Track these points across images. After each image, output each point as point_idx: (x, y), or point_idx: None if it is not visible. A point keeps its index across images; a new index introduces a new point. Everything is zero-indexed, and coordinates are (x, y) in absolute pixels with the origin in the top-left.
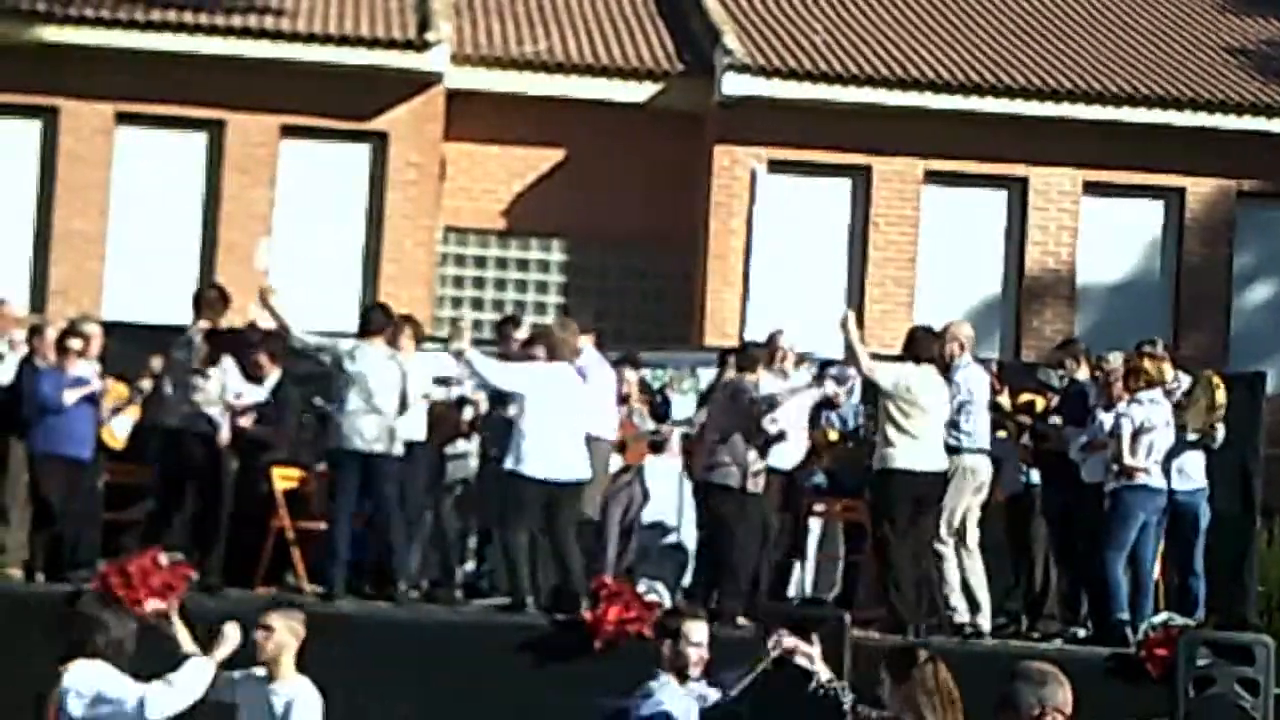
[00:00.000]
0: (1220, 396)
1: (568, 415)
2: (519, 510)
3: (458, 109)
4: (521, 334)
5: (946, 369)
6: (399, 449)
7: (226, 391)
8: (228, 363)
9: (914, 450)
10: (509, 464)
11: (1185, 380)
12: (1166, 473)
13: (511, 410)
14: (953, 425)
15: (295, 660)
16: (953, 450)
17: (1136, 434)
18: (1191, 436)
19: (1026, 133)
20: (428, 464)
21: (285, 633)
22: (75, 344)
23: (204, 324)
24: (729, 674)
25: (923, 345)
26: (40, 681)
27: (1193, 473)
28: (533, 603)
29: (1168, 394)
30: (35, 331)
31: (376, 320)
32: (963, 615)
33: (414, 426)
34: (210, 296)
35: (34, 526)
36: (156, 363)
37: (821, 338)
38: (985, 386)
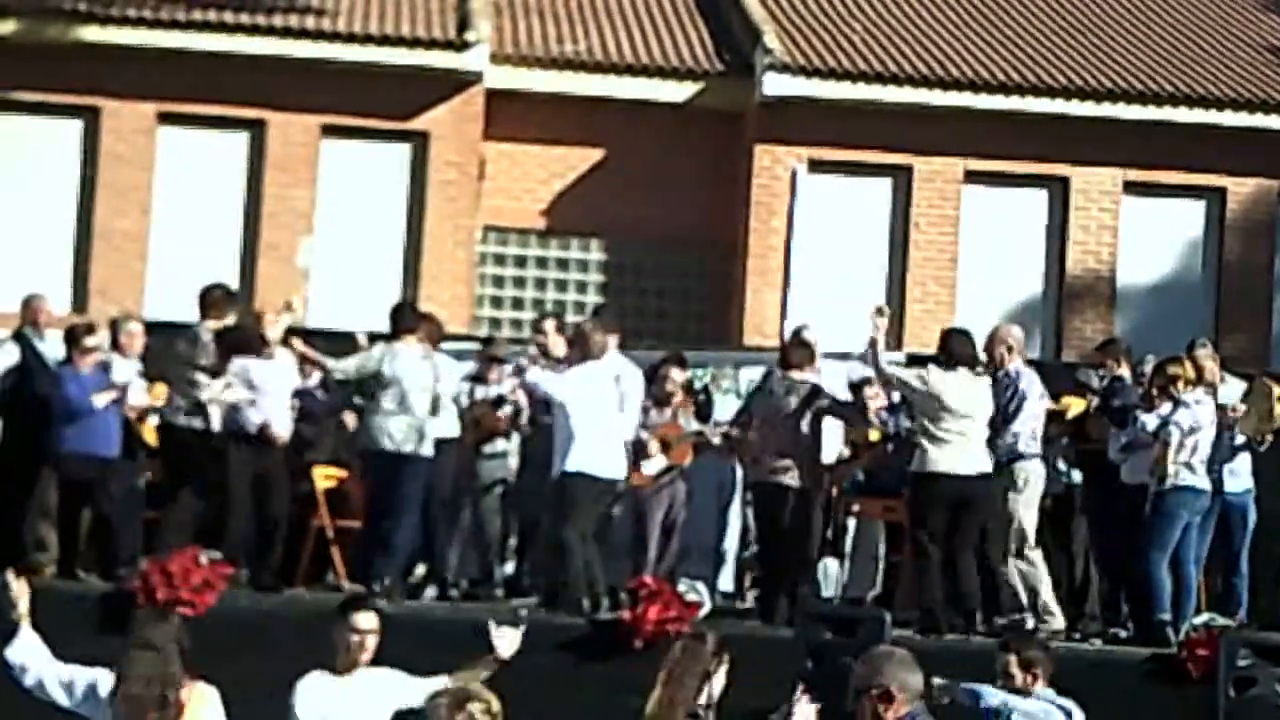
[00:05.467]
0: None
1: (609, 414)
2: (574, 510)
3: (497, 108)
4: (549, 325)
5: (994, 372)
6: (428, 449)
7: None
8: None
9: (951, 454)
10: (566, 465)
11: (1234, 382)
12: (1219, 474)
13: (546, 416)
14: (1014, 433)
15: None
16: (1018, 457)
17: (1184, 437)
18: (1239, 440)
19: (1067, 132)
20: (459, 462)
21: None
22: (92, 341)
23: (212, 324)
24: None
25: (956, 347)
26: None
27: (1242, 473)
28: (587, 604)
29: (1212, 393)
30: (114, 326)
31: (407, 318)
32: (1059, 620)
33: (446, 424)
34: (215, 296)
35: (61, 525)
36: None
37: (862, 338)
38: (1039, 390)
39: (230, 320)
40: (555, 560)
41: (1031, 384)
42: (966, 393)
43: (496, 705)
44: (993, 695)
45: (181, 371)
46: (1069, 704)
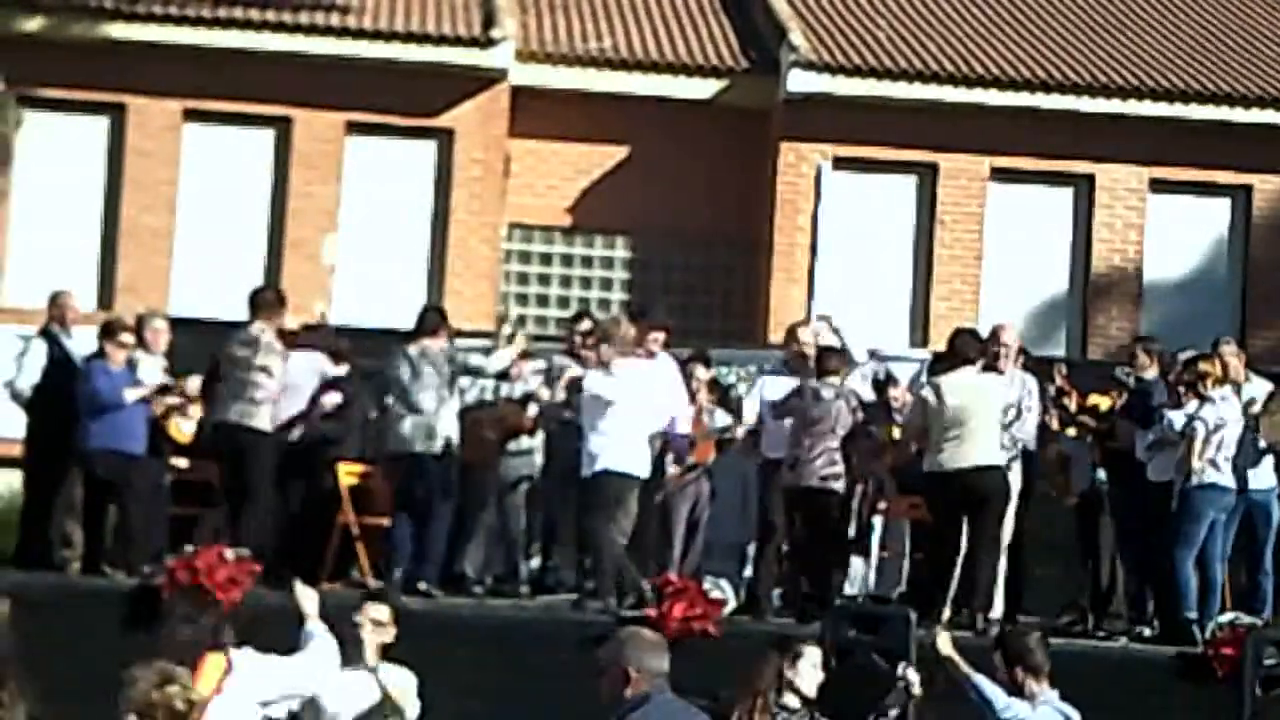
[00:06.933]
0: None
1: (635, 412)
2: (605, 507)
3: (522, 105)
4: (584, 327)
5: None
6: (437, 447)
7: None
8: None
9: (954, 450)
10: (600, 464)
11: (1258, 380)
12: (1243, 473)
13: (568, 412)
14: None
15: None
16: (1013, 458)
17: (1209, 434)
18: (1262, 444)
19: (1093, 130)
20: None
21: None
22: (127, 337)
23: (263, 324)
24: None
25: (965, 347)
26: (99, 673)
27: (1265, 471)
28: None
29: (1237, 390)
30: (141, 323)
31: (431, 321)
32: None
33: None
34: (268, 298)
35: (87, 521)
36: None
37: (886, 335)
38: (1035, 391)
39: (282, 322)
40: (590, 556)
41: (1032, 388)
42: (969, 392)
43: (196, 696)
44: (997, 697)
45: (239, 373)
46: (1071, 711)
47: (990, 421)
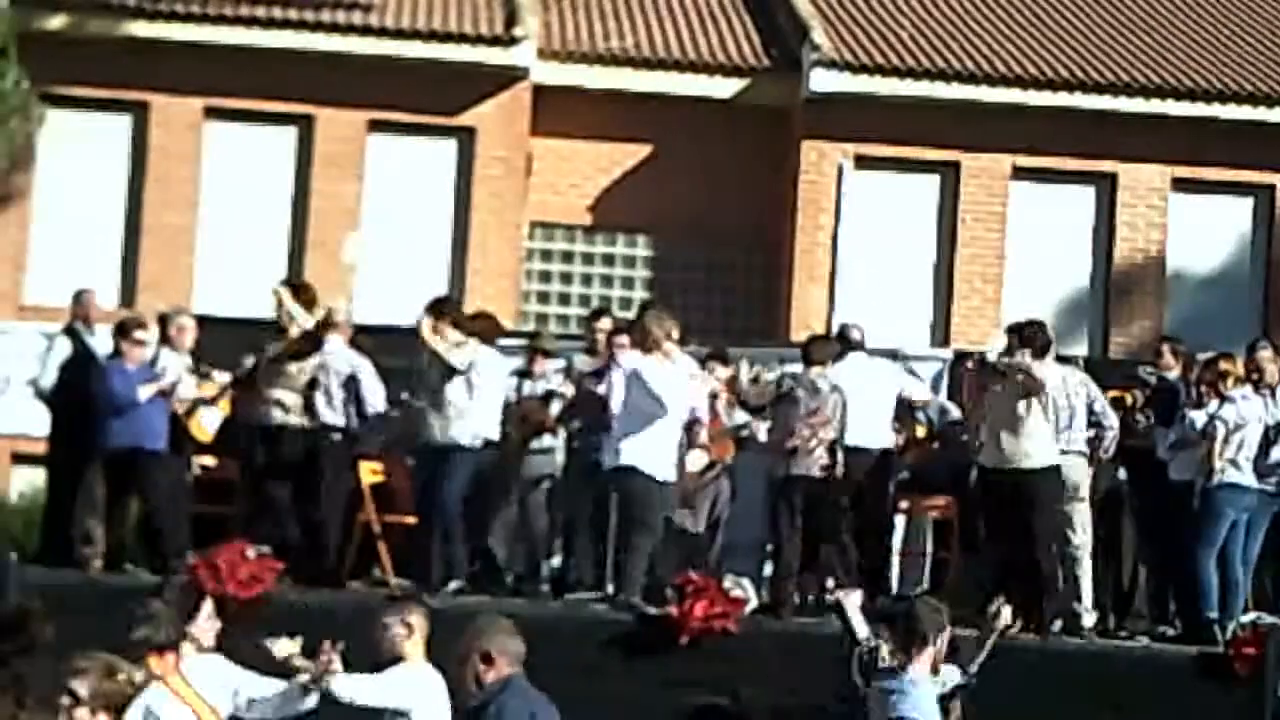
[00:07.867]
0: None
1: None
2: (648, 510)
3: (544, 104)
4: (604, 324)
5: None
6: (463, 442)
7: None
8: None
9: (1003, 448)
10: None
11: None
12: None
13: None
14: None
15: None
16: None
17: (1229, 434)
18: None
19: (1115, 129)
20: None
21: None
22: (142, 335)
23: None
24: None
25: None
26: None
27: None
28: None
29: (1270, 393)
30: (165, 320)
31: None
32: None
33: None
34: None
35: (109, 519)
36: (249, 359)
37: (908, 334)
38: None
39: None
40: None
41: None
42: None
43: (139, 677)
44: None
45: (274, 367)
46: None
47: (1041, 418)
